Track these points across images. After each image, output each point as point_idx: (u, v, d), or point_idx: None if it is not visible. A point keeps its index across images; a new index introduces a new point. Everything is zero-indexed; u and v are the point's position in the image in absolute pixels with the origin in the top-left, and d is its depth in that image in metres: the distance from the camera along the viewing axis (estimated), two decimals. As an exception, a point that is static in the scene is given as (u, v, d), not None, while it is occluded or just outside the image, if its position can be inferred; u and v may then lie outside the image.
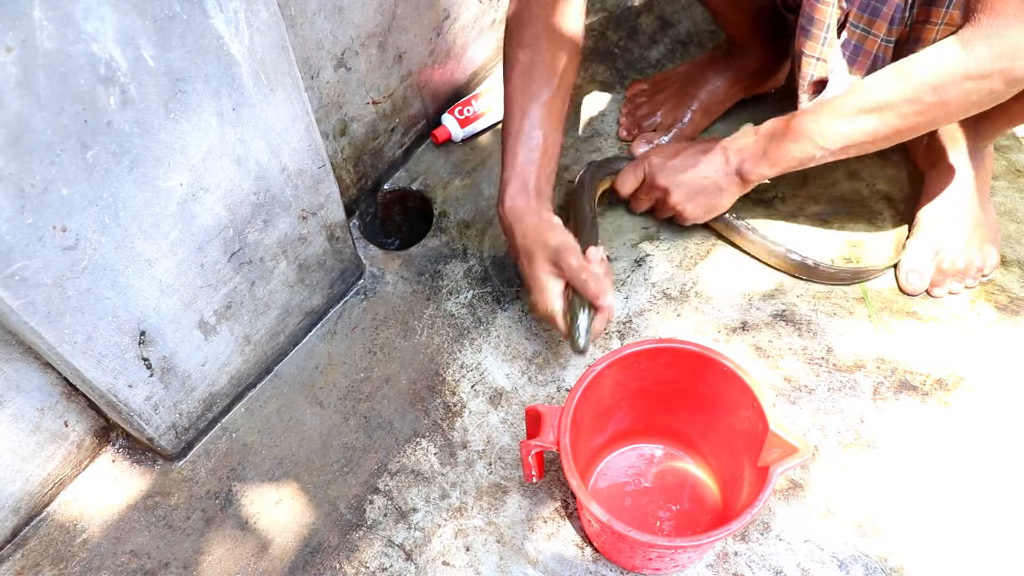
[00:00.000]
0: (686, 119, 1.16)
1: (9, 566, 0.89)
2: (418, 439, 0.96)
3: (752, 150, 0.95)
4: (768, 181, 1.00)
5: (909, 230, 1.06)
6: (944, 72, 0.78)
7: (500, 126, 0.93)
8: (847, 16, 0.89)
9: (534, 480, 0.85)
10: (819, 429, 0.93)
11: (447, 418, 0.97)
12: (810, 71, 0.94)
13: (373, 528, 0.90)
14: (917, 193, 1.07)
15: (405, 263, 1.11)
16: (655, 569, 0.84)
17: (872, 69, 0.90)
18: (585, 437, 0.84)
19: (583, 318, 0.89)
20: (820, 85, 0.97)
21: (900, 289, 1.02)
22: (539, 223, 0.89)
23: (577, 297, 0.89)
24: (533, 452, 0.79)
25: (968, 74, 0.77)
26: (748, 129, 0.97)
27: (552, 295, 0.90)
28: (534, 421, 0.80)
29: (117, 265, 0.73)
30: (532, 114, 0.92)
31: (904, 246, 1.04)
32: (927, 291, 1.01)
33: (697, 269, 1.06)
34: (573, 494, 0.90)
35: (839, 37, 0.91)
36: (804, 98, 0.98)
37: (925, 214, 1.03)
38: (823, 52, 0.92)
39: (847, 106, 0.85)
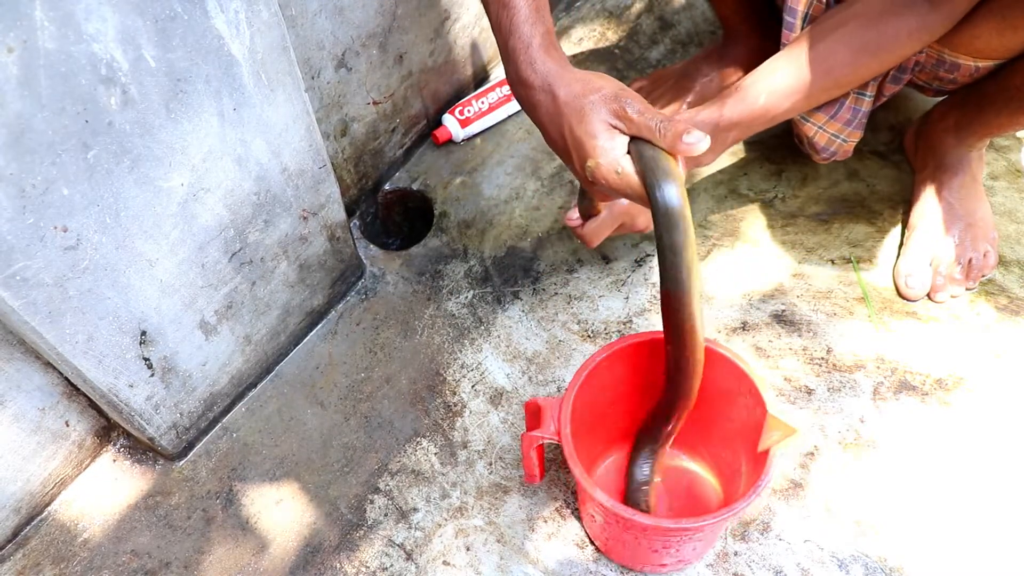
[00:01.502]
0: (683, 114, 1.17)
1: (10, 566, 0.89)
2: (418, 439, 0.96)
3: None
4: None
5: (904, 234, 1.06)
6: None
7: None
8: None
9: (536, 480, 0.84)
10: (819, 429, 0.93)
11: (447, 418, 0.98)
12: None
13: (374, 528, 0.90)
14: (917, 193, 1.08)
15: (406, 263, 1.12)
16: (660, 565, 0.84)
17: None
18: (585, 432, 0.84)
19: (667, 162, 0.65)
20: None
21: (900, 295, 1.02)
22: (586, 75, 0.74)
23: (649, 148, 0.67)
24: (535, 445, 0.79)
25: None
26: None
27: (619, 152, 0.70)
28: (533, 415, 0.79)
29: (118, 265, 0.73)
30: None
31: (899, 252, 1.04)
32: (928, 296, 1.01)
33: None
34: (574, 494, 0.90)
35: None
36: None
37: (917, 218, 1.04)
38: None
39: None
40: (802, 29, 0.91)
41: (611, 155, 0.69)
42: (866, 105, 0.95)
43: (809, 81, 0.85)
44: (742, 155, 1.17)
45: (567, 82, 0.73)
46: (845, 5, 0.85)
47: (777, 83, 0.86)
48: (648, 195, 0.64)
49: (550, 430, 0.76)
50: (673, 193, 0.62)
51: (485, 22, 1.22)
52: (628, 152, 0.69)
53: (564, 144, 0.74)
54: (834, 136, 0.98)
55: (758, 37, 1.13)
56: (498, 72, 1.30)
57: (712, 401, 0.82)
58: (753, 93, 0.86)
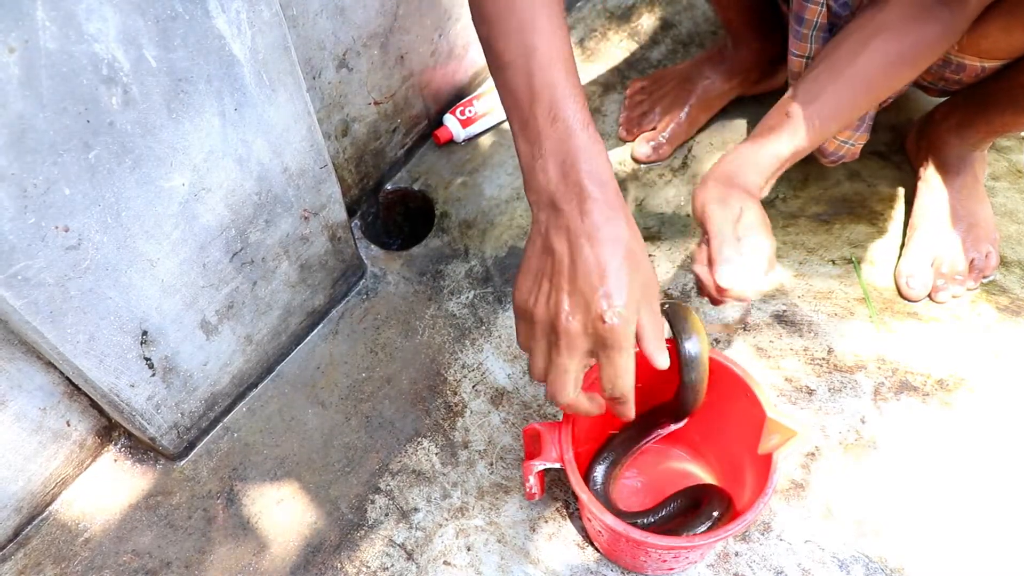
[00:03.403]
0: (683, 115, 1.17)
1: (11, 565, 0.89)
2: (419, 439, 0.96)
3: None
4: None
5: (905, 234, 1.06)
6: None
7: (505, 108, 0.66)
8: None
9: (536, 498, 0.83)
10: (820, 429, 0.93)
11: (448, 418, 0.98)
12: (801, 71, 0.95)
13: (374, 528, 0.90)
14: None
15: (407, 263, 1.12)
16: (668, 569, 0.84)
17: None
18: (586, 447, 0.84)
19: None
20: None
21: (901, 295, 1.02)
22: (638, 240, 0.63)
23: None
24: (536, 471, 0.78)
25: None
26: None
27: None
28: (532, 440, 0.79)
29: (119, 265, 0.73)
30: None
31: (900, 253, 1.04)
32: (929, 297, 1.01)
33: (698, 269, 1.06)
34: (574, 494, 0.90)
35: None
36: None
37: (918, 218, 1.04)
38: (815, 52, 0.92)
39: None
40: (811, 38, 0.91)
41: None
42: (872, 109, 0.95)
43: (854, 100, 0.84)
44: (743, 155, 1.17)
45: (628, 220, 0.62)
46: (865, 18, 0.83)
47: (826, 108, 0.83)
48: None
49: (552, 456, 0.76)
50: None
51: (486, 22, 1.21)
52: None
53: (573, 266, 0.60)
54: (843, 142, 0.98)
55: (761, 41, 1.13)
56: (499, 72, 1.30)
57: (712, 406, 0.82)
58: (807, 123, 0.83)
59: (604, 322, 0.58)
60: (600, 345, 0.60)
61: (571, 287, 0.59)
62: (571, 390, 0.63)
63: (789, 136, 0.82)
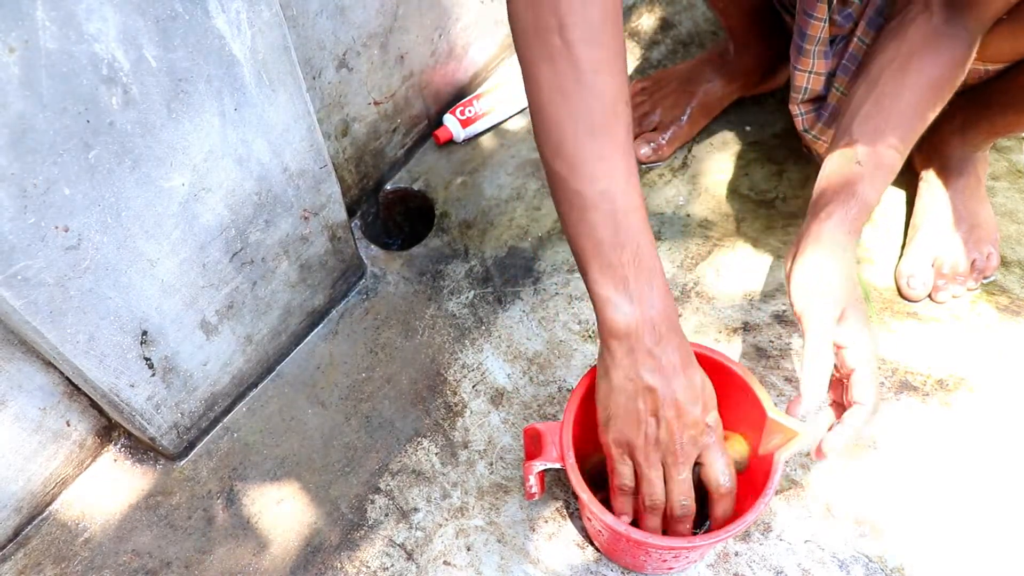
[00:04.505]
0: (684, 117, 1.17)
1: (11, 565, 0.89)
2: (419, 439, 0.96)
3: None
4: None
5: (906, 234, 1.06)
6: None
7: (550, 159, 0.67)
8: (854, 31, 0.90)
9: (536, 497, 0.84)
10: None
11: (448, 418, 0.98)
12: (804, 84, 0.95)
13: (374, 528, 0.90)
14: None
15: (407, 263, 1.12)
16: (668, 569, 0.84)
17: None
18: (585, 447, 0.84)
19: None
20: (816, 102, 0.98)
21: (901, 295, 1.02)
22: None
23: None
24: (536, 471, 0.78)
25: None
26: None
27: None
28: (533, 440, 0.79)
29: (119, 265, 0.73)
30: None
31: (901, 253, 1.04)
32: (930, 297, 1.01)
33: (698, 269, 1.06)
34: (574, 495, 0.90)
35: (846, 51, 0.91)
36: (797, 111, 0.98)
37: (920, 218, 1.04)
38: (817, 66, 0.93)
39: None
40: (814, 54, 0.91)
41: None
42: None
43: (913, 132, 0.80)
44: (744, 156, 1.17)
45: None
46: (893, 46, 0.81)
47: (889, 147, 0.79)
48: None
49: (552, 456, 0.76)
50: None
51: (487, 22, 1.22)
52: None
53: (692, 391, 0.69)
54: None
55: (763, 44, 1.13)
56: (499, 72, 1.30)
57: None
58: (888, 163, 0.79)
59: (707, 435, 0.71)
60: (705, 449, 0.72)
61: (678, 414, 0.68)
62: (691, 490, 0.74)
63: (879, 183, 0.78)
